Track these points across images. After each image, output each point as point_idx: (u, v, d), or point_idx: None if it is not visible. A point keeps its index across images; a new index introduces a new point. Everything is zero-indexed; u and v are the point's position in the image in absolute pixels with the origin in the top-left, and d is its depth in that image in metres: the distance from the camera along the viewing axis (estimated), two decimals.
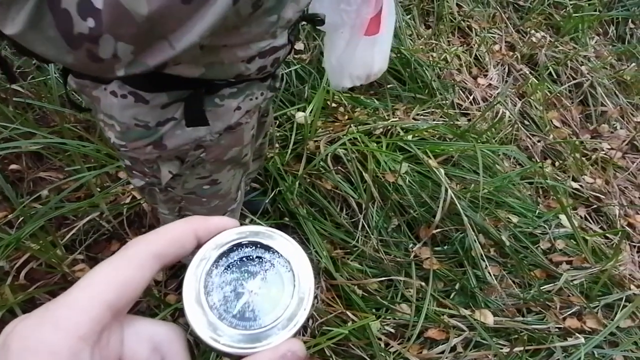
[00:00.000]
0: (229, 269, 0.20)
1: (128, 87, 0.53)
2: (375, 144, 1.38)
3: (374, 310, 1.13)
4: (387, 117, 1.55)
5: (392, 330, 1.11)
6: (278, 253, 0.21)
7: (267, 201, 1.25)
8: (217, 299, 0.20)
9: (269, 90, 0.66)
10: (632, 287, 1.30)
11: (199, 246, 0.20)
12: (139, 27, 0.33)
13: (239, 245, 0.21)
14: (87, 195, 1.14)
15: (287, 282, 0.20)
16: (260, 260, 0.21)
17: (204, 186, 0.69)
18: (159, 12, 0.33)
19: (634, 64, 2.05)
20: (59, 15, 0.32)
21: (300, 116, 1.42)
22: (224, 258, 0.20)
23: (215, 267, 0.20)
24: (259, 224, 1.24)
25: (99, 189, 1.12)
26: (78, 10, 0.32)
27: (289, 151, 1.34)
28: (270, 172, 1.30)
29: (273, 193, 1.27)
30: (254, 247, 0.21)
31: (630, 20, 2.31)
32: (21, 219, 1.06)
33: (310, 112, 1.40)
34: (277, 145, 1.39)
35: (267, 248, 0.21)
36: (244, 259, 0.21)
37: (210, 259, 0.20)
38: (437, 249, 1.27)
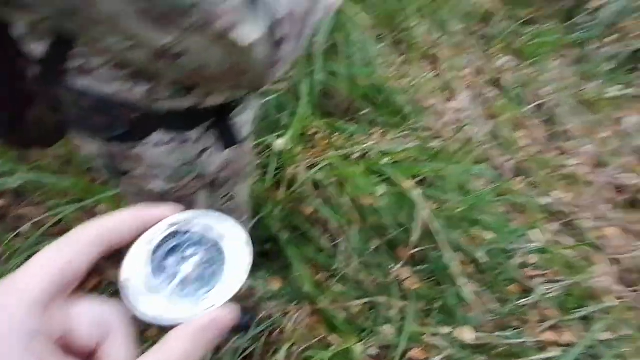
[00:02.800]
0: (166, 254, 0.23)
1: (171, 133, 0.54)
2: (353, 168, 1.42)
3: (357, 333, 1.14)
4: (363, 142, 1.60)
5: (376, 353, 1.12)
6: (211, 234, 0.24)
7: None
8: (154, 277, 0.22)
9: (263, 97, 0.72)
10: (606, 299, 1.34)
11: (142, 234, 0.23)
12: None
13: (176, 233, 0.24)
14: (66, 230, 1.14)
15: (220, 261, 0.23)
16: (197, 242, 0.24)
17: (225, 204, 0.73)
18: None
19: (593, 83, 2.18)
20: None
21: (279, 143, 1.46)
22: (161, 245, 0.23)
23: (154, 251, 0.23)
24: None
25: (77, 223, 1.12)
26: None
27: (270, 178, 1.37)
28: (251, 200, 1.33)
29: (255, 220, 1.29)
30: (189, 233, 0.24)
31: (589, 41, 2.47)
32: (7, 254, 1.06)
33: (289, 138, 1.45)
34: (257, 172, 1.42)
35: (206, 229, 0.24)
36: (180, 244, 0.24)
37: (152, 241, 0.23)
38: (417, 268, 1.30)
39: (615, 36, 2.43)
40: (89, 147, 0.56)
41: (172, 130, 0.54)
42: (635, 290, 1.43)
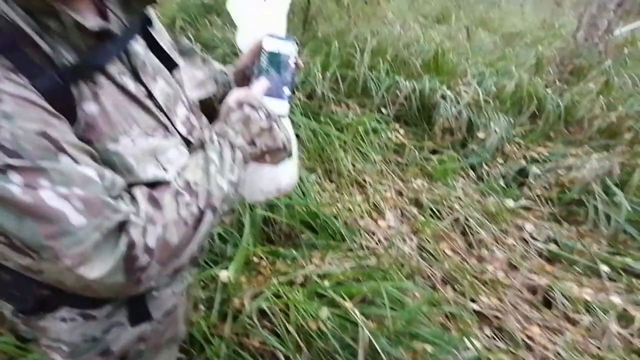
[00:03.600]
0: None
1: (76, 310, 0.56)
2: (296, 293, 1.50)
3: None
4: (305, 266, 1.71)
5: None
6: None
7: None
8: None
9: (195, 266, 0.77)
10: None
11: None
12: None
13: None
14: None
15: None
16: None
17: None
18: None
19: (493, 198, 2.60)
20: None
21: (224, 275, 1.51)
22: None
23: None
24: None
25: None
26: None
27: (215, 312, 1.38)
28: (195, 338, 1.31)
29: None
30: None
31: (483, 163, 3.00)
32: None
33: (234, 269, 1.51)
34: (202, 307, 1.43)
35: None
36: None
37: None
38: None
39: (501, 159, 3.00)
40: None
41: (78, 308, 0.56)
42: None
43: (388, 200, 2.37)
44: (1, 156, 0.39)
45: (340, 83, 3.02)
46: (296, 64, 0.72)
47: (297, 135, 2.39)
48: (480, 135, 3.06)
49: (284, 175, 0.88)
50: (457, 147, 3.02)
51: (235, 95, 0.64)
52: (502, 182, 2.79)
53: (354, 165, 2.51)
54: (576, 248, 2.27)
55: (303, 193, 2.09)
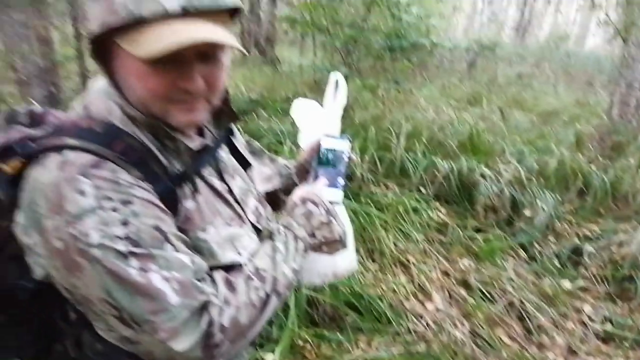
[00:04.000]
0: None
1: None
2: None
3: None
4: (350, 350, 1.64)
5: None
6: None
7: None
8: None
9: (252, 346, 0.80)
10: None
11: None
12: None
13: None
14: None
15: None
16: None
17: None
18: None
19: (547, 278, 2.44)
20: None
21: (269, 359, 1.49)
22: None
23: None
24: None
25: None
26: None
27: None
28: None
29: None
30: None
31: (534, 242, 2.87)
32: None
33: (280, 353, 1.48)
34: None
35: None
36: None
37: None
38: None
39: (553, 237, 2.87)
40: None
41: None
42: None
43: (434, 281, 2.29)
44: (127, 245, 0.49)
45: (379, 165, 3.15)
46: (349, 157, 0.84)
47: None
48: (527, 213, 2.99)
49: (341, 260, 0.94)
50: (503, 226, 2.94)
51: (300, 192, 0.76)
52: (556, 262, 2.63)
53: (396, 245, 2.50)
54: (627, 325, 2.14)
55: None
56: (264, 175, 0.87)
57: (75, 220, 0.48)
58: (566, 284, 2.41)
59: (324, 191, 0.77)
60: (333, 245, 0.73)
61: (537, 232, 2.86)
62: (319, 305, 1.94)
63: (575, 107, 6.40)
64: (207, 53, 0.55)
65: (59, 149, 0.51)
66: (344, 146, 0.84)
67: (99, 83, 0.61)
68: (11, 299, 0.59)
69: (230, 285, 0.57)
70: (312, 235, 0.70)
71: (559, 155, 3.41)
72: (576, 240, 2.80)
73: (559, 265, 2.63)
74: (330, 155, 0.83)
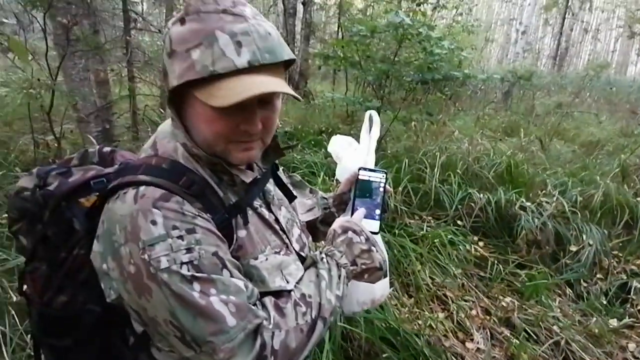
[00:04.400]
0: None
1: None
2: None
3: None
4: None
5: None
6: None
7: None
8: None
9: None
10: None
11: None
12: None
13: None
14: None
15: None
16: None
17: None
18: None
19: (595, 318, 2.28)
20: None
21: None
22: None
23: None
24: None
25: None
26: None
27: None
28: None
29: None
30: None
31: (581, 279, 2.70)
32: None
33: None
34: None
35: None
36: None
37: None
38: None
39: (601, 274, 2.70)
40: None
41: None
42: None
43: (474, 319, 2.19)
44: (191, 270, 0.54)
45: (413, 196, 3.12)
46: (385, 189, 0.87)
47: None
48: (572, 248, 2.84)
49: (378, 287, 0.95)
50: (547, 261, 2.80)
51: (340, 222, 0.79)
52: (603, 300, 2.47)
53: (432, 279, 2.43)
54: None
55: (381, 307, 2.04)
56: (305, 206, 0.93)
57: (148, 247, 0.54)
58: (613, 323, 2.24)
59: (362, 222, 0.81)
60: (374, 273, 0.75)
61: (583, 268, 2.70)
62: (354, 340, 1.90)
63: (619, 137, 6.12)
64: (266, 99, 0.61)
65: (134, 184, 0.58)
66: (380, 178, 0.88)
67: (165, 127, 0.68)
68: (77, 323, 0.65)
69: (280, 311, 0.60)
70: (354, 263, 0.73)
71: (604, 187, 3.25)
72: (623, 277, 2.62)
73: (606, 303, 2.47)
74: (367, 187, 0.87)
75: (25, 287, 0.70)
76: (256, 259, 0.64)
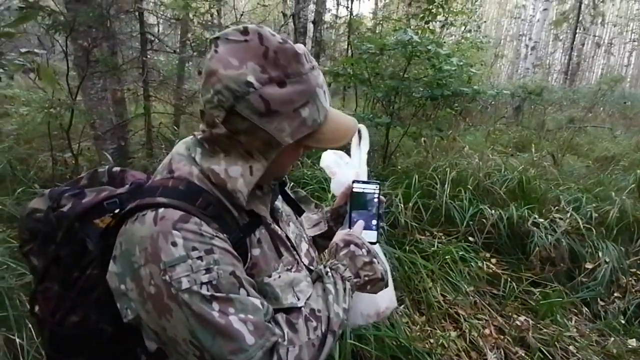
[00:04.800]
0: None
1: None
2: None
3: None
4: None
5: None
6: None
7: None
8: None
9: None
10: None
11: None
12: None
13: None
14: None
15: None
16: None
17: None
18: None
19: (613, 338, 2.21)
20: None
21: None
22: None
23: None
24: None
25: None
26: None
27: None
28: None
29: None
30: None
31: (598, 298, 2.63)
32: None
33: None
34: None
35: None
36: None
37: None
38: None
39: (619, 293, 2.62)
40: None
41: None
42: None
43: (487, 338, 2.15)
44: (210, 289, 0.56)
45: (423, 212, 3.11)
46: (379, 199, 0.90)
47: None
48: (588, 265, 2.77)
49: (382, 299, 0.97)
50: (562, 279, 2.74)
51: (342, 235, 0.82)
52: (622, 320, 2.39)
53: (444, 296, 2.40)
54: None
55: (392, 325, 2.02)
56: (311, 220, 0.96)
57: (169, 268, 0.55)
58: (632, 343, 2.17)
59: (361, 233, 0.84)
60: (376, 283, 0.78)
61: (600, 286, 2.63)
62: (364, 358, 1.88)
63: (635, 152, 6.01)
64: None
65: (153, 206, 0.60)
66: (374, 189, 0.91)
67: (180, 150, 0.70)
68: (90, 342, 0.67)
69: (292, 327, 0.62)
70: (357, 275, 0.75)
71: (620, 203, 3.19)
72: None
73: (624, 322, 2.39)
74: (362, 199, 0.90)
75: (37, 307, 0.71)
76: (270, 276, 0.66)
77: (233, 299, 0.57)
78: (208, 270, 0.56)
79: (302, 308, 0.66)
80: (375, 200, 0.90)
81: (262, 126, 0.61)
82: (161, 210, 0.59)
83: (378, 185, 0.91)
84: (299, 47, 0.62)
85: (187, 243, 0.56)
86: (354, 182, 0.92)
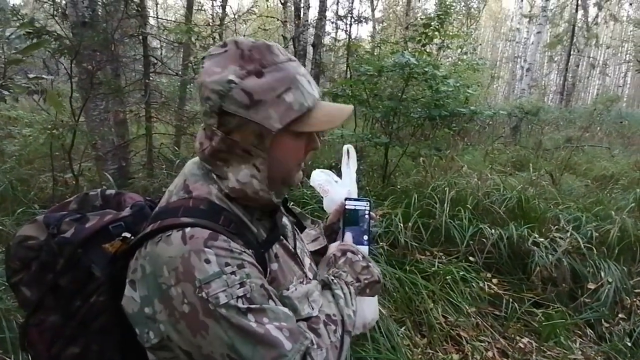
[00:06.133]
0: None
1: None
2: None
3: None
4: None
5: None
6: None
7: None
8: None
9: None
10: None
11: None
12: None
13: None
14: None
15: None
16: None
17: None
18: None
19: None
20: None
21: None
22: None
23: None
24: None
25: None
26: None
27: None
28: None
29: None
30: None
31: (602, 320, 2.59)
32: None
33: None
34: None
35: None
36: None
37: None
38: None
39: (622, 314, 2.58)
40: None
41: None
42: None
43: None
44: (245, 302, 0.57)
45: (423, 232, 3.10)
46: (370, 215, 0.94)
47: (384, 285, 2.39)
48: (591, 285, 2.74)
49: (368, 311, 1.00)
50: (565, 300, 2.70)
51: (337, 246, 0.88)
52: (628, 342, 2.35)
53: (445, 318, 2.37)
54: None
55: (393, 348, 1.99)
56: (310, 236, 0.98)
57: (204, 285, 0.56)
58: None
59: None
60: (374, 286, 0.83)
61: (604, 307, 2.60)
62: None
63: (634, 171, 6.04)
64: None
65: (178, 227, 0.60)
66: (364, 206, 0.95)
67: (193, 170, 0.71)
68: None
69: (315, 332, 0.65)
70: (358, 279, 0.80)
71: (621, 223, 3.18)
72: None
73: (630, 345, 2.34)
74: (354, 216, 0.94)
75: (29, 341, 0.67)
76: (287, 289, 0.69)
77: (266, 309, 0.59)
78: (242, 284, 0.58)
79: (319, 315, 0.69)
80: (366, 216, 0.94)
81: (251, 118, 0.63)
82: (188, 230, 0.59)
83: (369, 202, 0.96)
84: (271, 43, 0.66)
85: (219, 259, 0.58)
86: (346, 199, 0.96)
